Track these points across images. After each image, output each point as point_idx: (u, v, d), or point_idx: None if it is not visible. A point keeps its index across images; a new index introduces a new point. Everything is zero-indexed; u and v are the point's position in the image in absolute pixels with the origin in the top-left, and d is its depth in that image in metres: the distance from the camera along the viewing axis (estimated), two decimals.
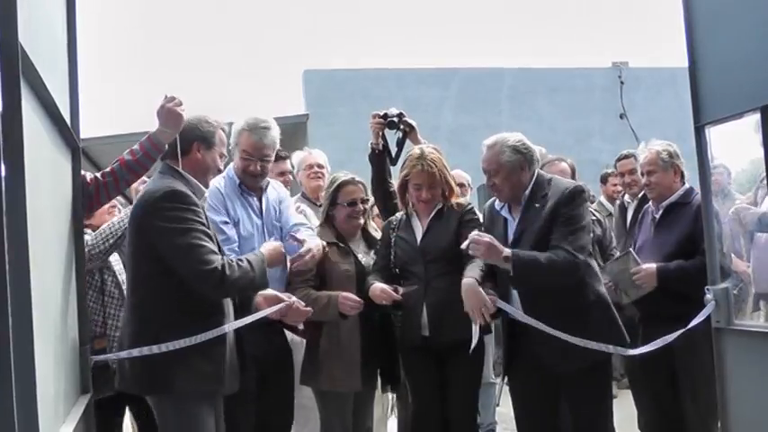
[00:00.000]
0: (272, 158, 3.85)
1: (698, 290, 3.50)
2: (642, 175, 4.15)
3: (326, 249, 3.86)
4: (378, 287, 3.77)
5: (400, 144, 4.49)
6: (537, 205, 3.51)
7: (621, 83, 12.44)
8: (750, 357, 3.46)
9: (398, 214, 4.13)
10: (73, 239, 2.94)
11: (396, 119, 4.44)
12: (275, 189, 4.02)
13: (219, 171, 3.41)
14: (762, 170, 3.21)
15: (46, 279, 2.41)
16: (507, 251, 3.40)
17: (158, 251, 3.04)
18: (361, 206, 3.98)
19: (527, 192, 3.58)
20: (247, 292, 3.31)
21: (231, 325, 3.19)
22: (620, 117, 12.15)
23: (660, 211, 4.05)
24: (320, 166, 4.97)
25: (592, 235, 3.71)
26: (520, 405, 3.73)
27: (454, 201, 3.97)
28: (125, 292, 3.41)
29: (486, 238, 3.40)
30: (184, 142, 3.24)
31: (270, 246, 3.45)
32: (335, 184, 3.99)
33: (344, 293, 3.74)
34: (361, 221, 4.04)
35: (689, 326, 3.62)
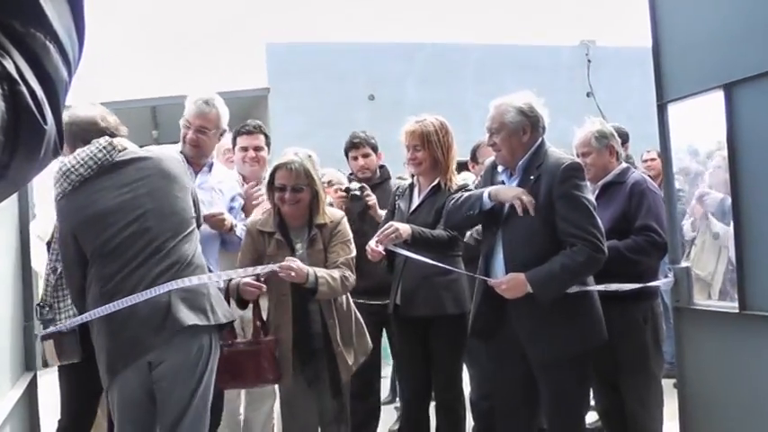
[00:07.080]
0: (211, 134, 3.84)
1: (631, 267, 3.61)
2: (577, 156, 4.05)
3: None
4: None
5: (362, 217, 4.35)
6: (531, 177, 3.34)
7: (588, 61, 12.43)
8: (708, 336, 3.48)
9: (407, 182, 4.15)
10: (17, 211, 2.84)
11: (358, 192, 4.31)
12: (222, 179, 3.97)
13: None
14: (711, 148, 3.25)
15: None
16: (522, 277, 3.26)
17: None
18: (289, 194, 3.50)
19: (523, 160, 3.40)
20: None
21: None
22: (587, 95, 12.16)
23: (597, 191, 4.01)
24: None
25: None
26: (499, 371, 3.57)
27: (455, 181, 3.88)
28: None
29: (504, 286, 3.29)
30: None
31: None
32: (272, 167, 3.62)
33: (245, 280, 3.41)
34: (288, 209, 3.56)
35: (647, 284, 3.65)
